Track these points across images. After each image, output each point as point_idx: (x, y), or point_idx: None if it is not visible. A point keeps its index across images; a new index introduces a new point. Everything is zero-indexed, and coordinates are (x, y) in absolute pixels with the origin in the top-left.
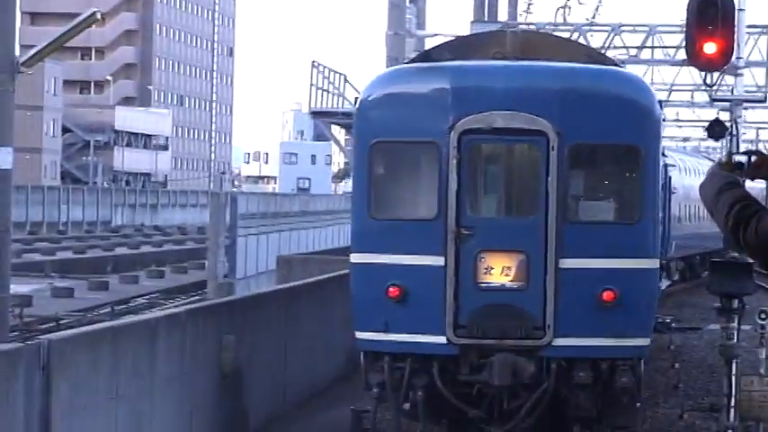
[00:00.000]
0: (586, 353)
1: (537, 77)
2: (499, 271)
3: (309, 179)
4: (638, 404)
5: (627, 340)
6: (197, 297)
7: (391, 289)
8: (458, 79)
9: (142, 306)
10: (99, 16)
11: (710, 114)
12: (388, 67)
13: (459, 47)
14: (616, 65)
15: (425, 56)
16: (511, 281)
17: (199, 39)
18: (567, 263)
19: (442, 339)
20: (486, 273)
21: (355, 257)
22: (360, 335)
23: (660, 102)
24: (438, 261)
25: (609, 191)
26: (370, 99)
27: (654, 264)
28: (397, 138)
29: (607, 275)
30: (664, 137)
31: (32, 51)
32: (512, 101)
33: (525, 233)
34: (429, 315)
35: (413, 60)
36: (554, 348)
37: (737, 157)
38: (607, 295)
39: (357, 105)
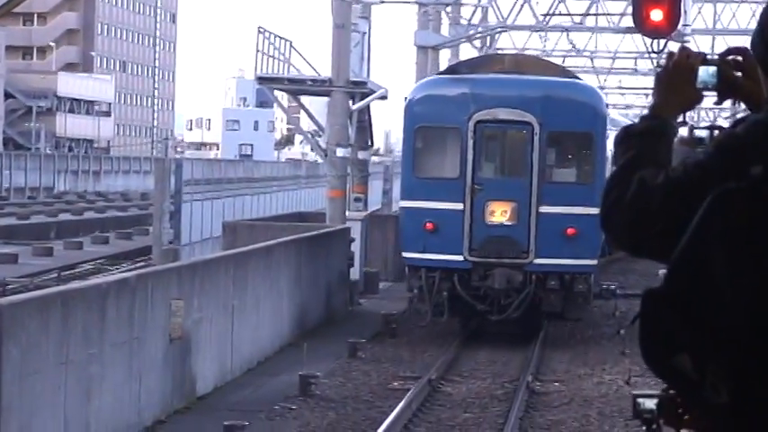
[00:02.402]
0: (556, 269)
1: (526, 86)
2: (499, 213)
3: (252, 145)
4: (588, 304)
5: (582, 261)
6: (142, 263)
7: (428, 224)
8: (474, 87)
9: (88, 272)
10: None
11: (653, 82)
12: (333, 34)
13: (474, 64)
14: (579, 78)
15: (451, 70)
16: (507, 220)
17: (141, 5)
18: (544, 209)
19: (460, 258)
20: (490, 214)
21: (403, 203)
22: (405, 254)
23: (606, 104)
24: (459, 206)
25: (572, 162)
26: (414, 99)
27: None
28: (432, 124)
29: (570, 217)
30: (607, 104)
31: None
32: (509, 102)
33: (517, 189)
34: (452, 242)
35: (442, 72)
36: (534, 265)
37: (699, 132)
38: (570, 231)
39: (405, 102)
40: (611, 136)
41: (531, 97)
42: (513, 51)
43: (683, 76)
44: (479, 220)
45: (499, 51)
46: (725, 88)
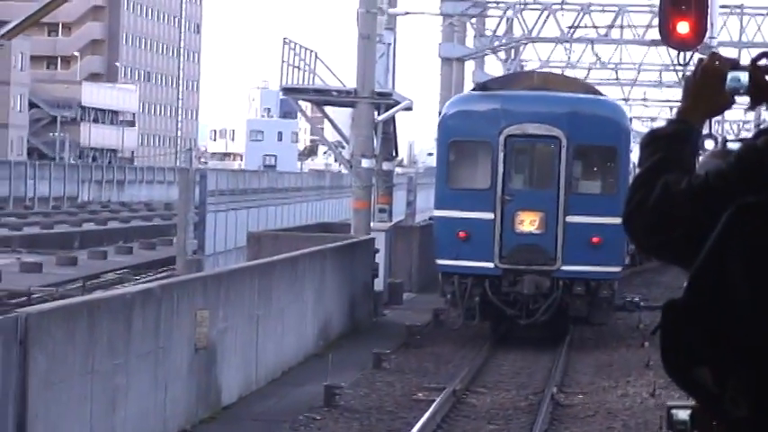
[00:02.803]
0: (581, 275)
1: (553, 102)
2: (528, 223)
3: (275, 156)
4: (612, 310)
5: (607, 268)
6: (166, 273)
7: (460, 232)
8: (504, 103)
9: (112, 281)
10: None
11: (679, 94)
12: (358, 45)
13: (504, 81)
14: (603, 95)
15: (483, 86)
16: (535, 229)
17: (166, 15)
18: (571, 219)
19: (491, 265)
20: (519, 224)
21: (438, 212)
22: (439, 261)
23: (630, 118)
24: (490, 216)
25: (597, 174)
26: (448, 114)
27: None
28: (465, 138)
29: (595, 227)
30: (632, 117)
31: (10, 25)
32: (537, 117)
33: (545, 199)
34: (483, 249)
35: (474, 89)
36: (561, 272)
37: (731, 145)
38: (595, 239)
39: (440, 117)
40: (635, 149)
41: (558, 113)
42: (541, 68)
43: (711, 81)
44: (509, 229)
45: (524, 63)
46: (757, 93)
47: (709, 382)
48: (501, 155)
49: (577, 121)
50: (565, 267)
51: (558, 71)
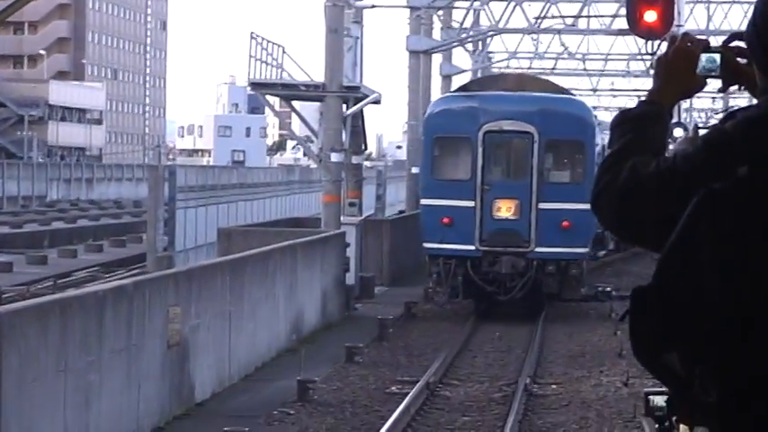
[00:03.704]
0: (553, 256)
1: (526, 102)
2: (505, 209)
3: (244, 152)
4: (582, 288)
5: (575, 249)
6: (137, 270)
7: (444, 219)
8: (482, 102)
9: (83, 280)
10: None
11: (647, 83)
12: (326, 39)
13: (482, 82)
14: (572, 94)
15: (464, 88)
16: (511, 215)
17: (132, 12)
18: (543, 205)
19: (472, 247)
20: (497, 210)
21: (424, 201)
22: (426, 245)
23: (595, 115)
24: (471, 203)
25: (566, 165)
26: (433, 113)
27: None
28: (448, 134)
29: (565, 212)
30: (599, 107)
31: None
32: (512, 115)
33: (520, 188)
34: (465, 234)
35: (456, 90)
36: (535, 253)
37: (703, 132)
38: (565, 224)
39: (425, 116)
40: (600, 143)
41: (530, 111)
42: (509, 59)
43: (683, 62)
44: (488, 216)
45: (491, 55)
46: (728, 75)
47: (678, 369)
48: (480, 149)
49: (548, 118)
50: (538, 249)
51: (526, 62)
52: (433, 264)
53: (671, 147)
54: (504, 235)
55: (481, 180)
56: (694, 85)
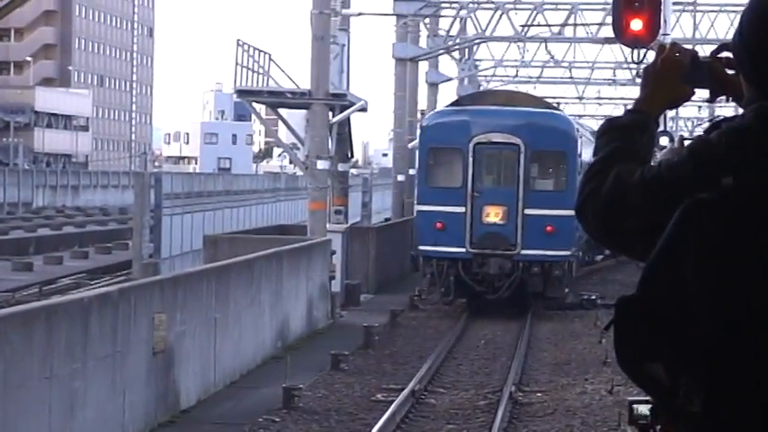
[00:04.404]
0: (538, 258)
1: (513, 116)
2: (493, 215)
3: (230, 159)
4: (566, 288)
5: (558, 251)
6: (123, 277)
7: (438, 224)
8: (473, 116)
9: (69, 286)
10: None
11: (633, 92)
12: (312, 47)
13: (474, 97)
14: (557, 109)
15: (456, 102)
16: (499, 220)
17: (118, 19)
18: (529, 211)
19: (463, 250)
20: (486, 216)
21: (419, 207)
22: (421, 247)
23: (577, 128)
24: (462, 209)
25: (550, 174)
26: (428, 125)
27: (573, 213)
28: (441, 145)
29: (549, 218)
30: (585, 115)
31: None
32: (500, 128)
33: (507, 195)
34: (457, 237)
35: (449, 105)
36: (521, 255)
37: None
38: (549, 228)
39: (420, 128)
40: (582, 153)
41: (517, 124)
42: (495, 67)
43: (671, 72)
44: (478, 220)
45: (478, 63)
46: (716, 86)
47: (663, 378)
48: (471, 159)
49: (533, 130)
50: (524, 251)
51: (512, 70)
52: (426, 265)
53: (657, 156)
54: (493, 238)
55: (471, 188)
56: (681, 95)
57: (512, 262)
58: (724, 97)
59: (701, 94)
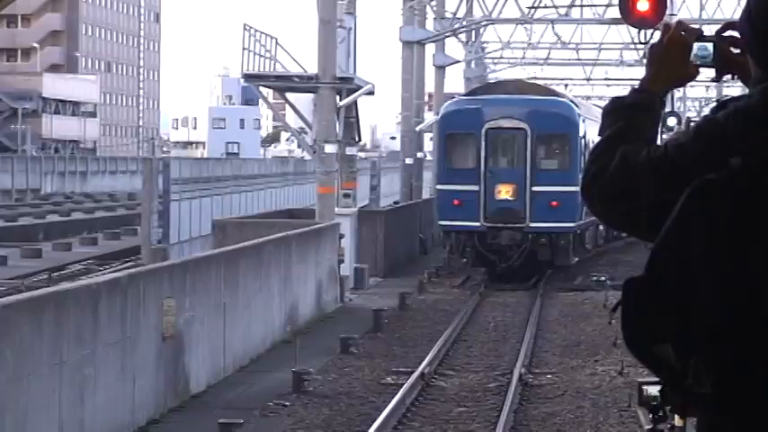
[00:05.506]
0: (545, 230)
1: (520, 104)
2: (504, 192)
3: (238, 143)
4: (575, 258)
5: (563, 224)
6: (132, 263)
7: (455, 201)
8: (485, 105)
9: (78, 273)
10: None
11: (640, 73)
12: (319, 30)
13: (486, 88)
14: (561, 95)
15: (471, 92)
16: (510, 197)
17: (125, 4)
18: (536, 188)
19: (478, 224)
20: (498, 193)
21: (439, 186)
22: (441, 222)
23: (579, 113)
24: (476, 188)
25: (555, 155)
26: (446, 113)
27: (577, 189)
28: (457, 131)
29: (554, 194)
30: (592, 96)
31: None
32: (509, 114)
33: (517, 175)
34: (472, 213)
35: (465, 95)
36: (530, 228)
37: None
38: (554, 203)
39: (439, 116)
40: (587, 135)
41: (524, 111)
42: (502, 49)
43: (677, 51)
44: (491, 197)
45: (485, 45)
46: (722, 65)
47: (672, 360)
48: (483, 143)
49: (539, 116)
50: (532, 224)
51: (519, 52)
52: (447, 237)
53: (663, 137)
54: (505, 213)
55: (485, 168)
56: (687, 74)
57: (522, 233)
58: (729, 76)
59: (708, 73)
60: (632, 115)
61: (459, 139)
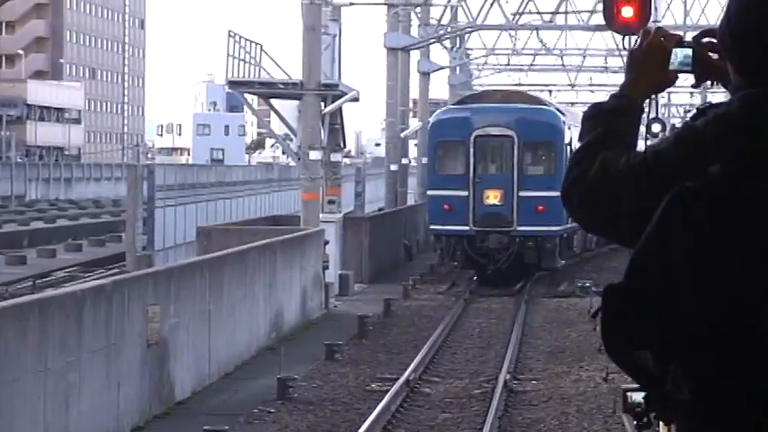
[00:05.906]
0: (531, 234)
1: (507, 112)
2: (492, 197)
3: (223, 150)
4: (561, 261)
5: (549, 228)
6: (116, 270)
7: (445, 205)
8: (474, 113)
9: (63, 279)
10: None
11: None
12: (303, 37)
13: (475, 97)
14: (546, 103)
15: (461, 101)
16: (498, 202)
17: (109, 11)
18: (522, 193)
19: (467, 228)
20: (486, 198)
21: (430, 192)
22: (432, 226)
23: (564, 121)
24: (465, 193)
25: (542, 160)
26: (436, 120)
27: None
28: (447, 138)
29: (540, 199)
30: (577, 102)
31: None
32: (496, 122)
33: (504, 180)
34: (462, 217)
35: (454, 104)
36: (517, 231)
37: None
38: (540, 208)
39: (429, 124)
40: (572, 141)
41: (511, 119)
42: (486, 56)
43: (655, 57)
44: (479, 202)
45: (469, 51)
46: (701, 71)
47: (652, 366)
48: (472, 150)
49: (525, 124)
50: (519, 228)
51: (504, 58)
52: (437, 241)
53: (648, 143)
54: (493, 217)
55: (473, 174)
56: (666, 80)
57: (509, 237)
58: (709, 82)
59: (692, 79)
60: (611, 121)
61: (449, 146)
